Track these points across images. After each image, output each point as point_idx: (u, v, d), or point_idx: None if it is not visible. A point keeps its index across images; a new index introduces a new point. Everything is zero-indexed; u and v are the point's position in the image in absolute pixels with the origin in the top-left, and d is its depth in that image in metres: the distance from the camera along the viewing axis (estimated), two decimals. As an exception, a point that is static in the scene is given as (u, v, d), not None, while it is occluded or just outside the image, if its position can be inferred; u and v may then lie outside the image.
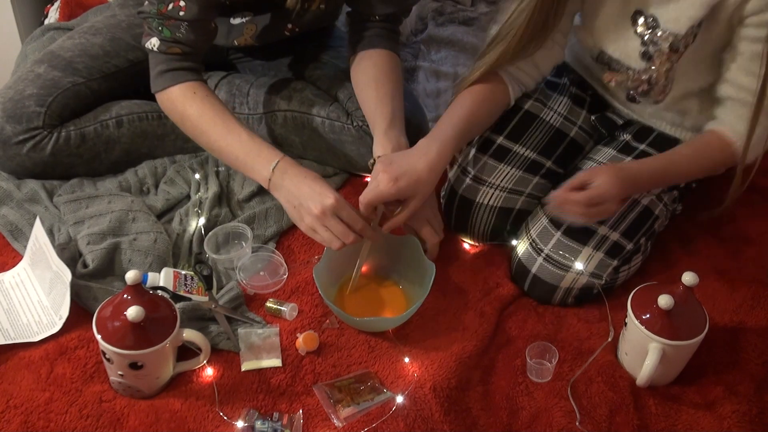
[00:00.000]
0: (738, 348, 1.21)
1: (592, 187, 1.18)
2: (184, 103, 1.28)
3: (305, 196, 1.18)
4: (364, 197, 1.21)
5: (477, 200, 1.34)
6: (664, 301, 1.07)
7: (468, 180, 1.36)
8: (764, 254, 1.34)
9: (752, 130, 1.20)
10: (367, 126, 1.42)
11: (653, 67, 1.26)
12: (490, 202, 1.34)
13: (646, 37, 1.24)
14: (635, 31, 1.26)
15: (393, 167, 1.20)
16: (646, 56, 1.26)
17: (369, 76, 1.39)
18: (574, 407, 1.12)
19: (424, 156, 1.22)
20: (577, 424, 1.10)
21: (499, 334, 1.23)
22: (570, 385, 1.15)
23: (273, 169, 1.21)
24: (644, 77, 1.28)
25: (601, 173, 1.19)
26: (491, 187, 1.34)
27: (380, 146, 1.28)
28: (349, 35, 1.46)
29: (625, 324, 1.15)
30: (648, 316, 1.10)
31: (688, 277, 1.08)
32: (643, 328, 1.09)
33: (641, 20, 1.25)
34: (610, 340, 1.21)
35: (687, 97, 1.32)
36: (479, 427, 1.10)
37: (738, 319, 1.25)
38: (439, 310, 1.26)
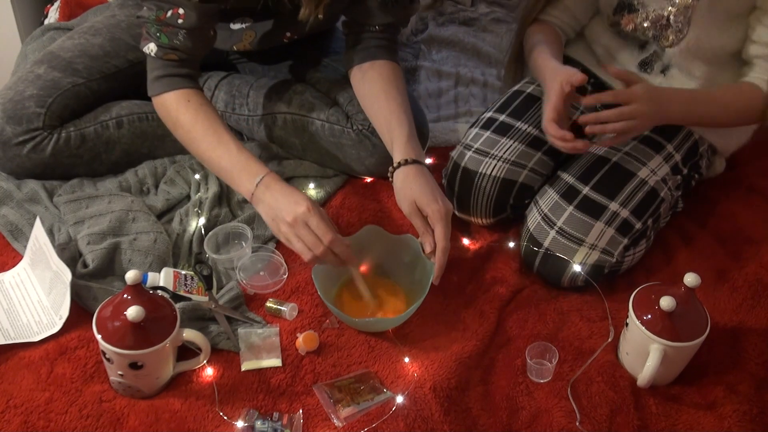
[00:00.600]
0: (738, 348, 1.21)
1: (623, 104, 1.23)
2: (177, 110, 1.29)
3: (281, 207, 1.19)
4: (563, 90, 1.25)
5: (480, 171, 1.36)
6: (666, 302, 1.07)
7: (471, 153, 1.38)
8: (764, 254, 1.34)
9: None
10: (367, 129, 1.43)
11: (675, 2, 1.29)
12: (493, 173, 1.36)
13: None
14: None
15: (558, 74, 1.29)
16: None
17: (377, 88, 1.39)
18: (574, 407, 1.11)
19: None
20: (577, 424, 1.09)
21: (499, 334, 1.23)
22: (570, 385, 1.15)
23: (257, 184, 1.22)
24: (664, 13, 1.31)
25: (634, 88, 1.24)
26: (494, 159, 1.36)
27: (404, 154, 1.29)
28: (348, 44, 1.46)
29: (626, 324, 1.15)
30: (649, 317, 1.10)
31: (690, 278, 1.08)
32: (644, 329, 1.09)
33: None
34: (610, 340, 1.21)
35: (697, 56, 1.34)
36: (479, 427, 1.10)
37: (738, 319, 1.25)
38: (439, 310, 1.26)
